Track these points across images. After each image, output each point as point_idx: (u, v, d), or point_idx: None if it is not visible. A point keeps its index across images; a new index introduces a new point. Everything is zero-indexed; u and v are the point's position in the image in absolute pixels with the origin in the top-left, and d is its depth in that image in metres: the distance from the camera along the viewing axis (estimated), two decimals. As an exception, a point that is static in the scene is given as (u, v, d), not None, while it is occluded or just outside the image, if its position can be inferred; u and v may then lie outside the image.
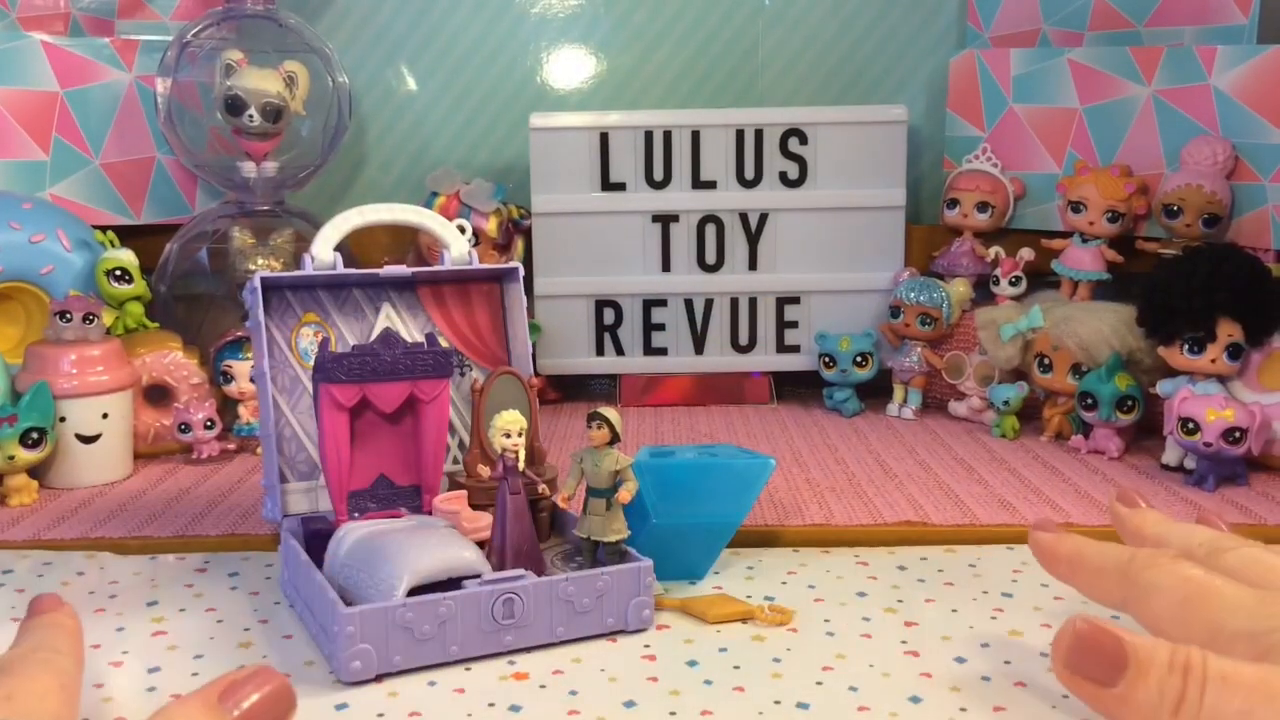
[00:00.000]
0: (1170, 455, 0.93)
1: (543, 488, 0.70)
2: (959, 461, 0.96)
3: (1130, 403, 0.96)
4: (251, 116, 1.10)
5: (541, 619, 0.59)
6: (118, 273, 1.00)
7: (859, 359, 1.13)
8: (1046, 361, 1.04)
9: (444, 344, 0.74)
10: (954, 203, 1.19)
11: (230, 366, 0.99)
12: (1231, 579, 0.41)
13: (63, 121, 1.13)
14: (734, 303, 1.19)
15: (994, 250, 1.14)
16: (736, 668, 0.58)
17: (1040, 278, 1.14)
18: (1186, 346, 0.92)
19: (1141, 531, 0.50)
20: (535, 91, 1.28)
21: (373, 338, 0.71)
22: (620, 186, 1.16)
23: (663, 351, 1.20)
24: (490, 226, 1.15)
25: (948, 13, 1.26)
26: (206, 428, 0.95)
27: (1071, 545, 0.49)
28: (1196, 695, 0.36)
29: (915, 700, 0.54)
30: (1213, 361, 0.91)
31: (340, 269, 0.72)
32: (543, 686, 0.56)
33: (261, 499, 0.81)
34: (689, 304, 1.19)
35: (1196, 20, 1.10)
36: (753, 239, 1.17)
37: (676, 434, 1.07)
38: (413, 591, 0.57)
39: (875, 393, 1.16)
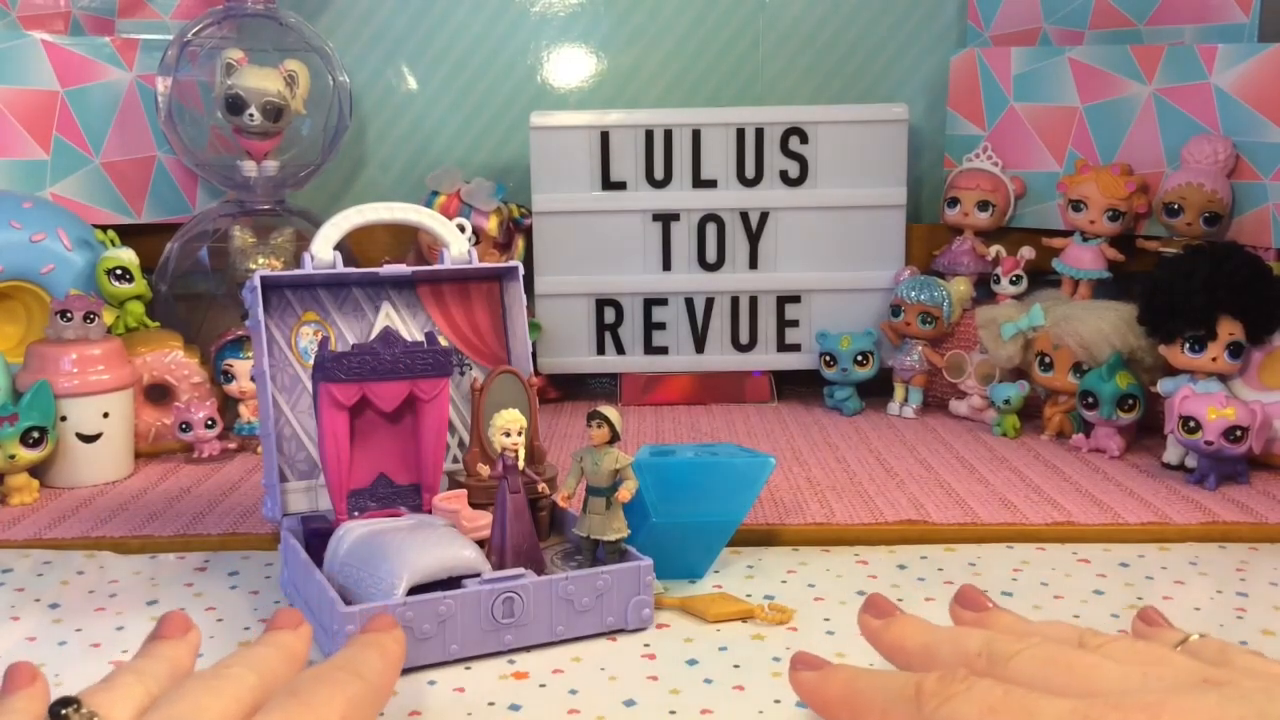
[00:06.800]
0: (1171, 454, 0.93)
1: (542, 487, 0.70)
2: (960, 460, 0.95)
3: (1131, 401, 0.96)
4: (252, 115, 1.10)
5: (541, 618, 0.59)
6: (118, 272, 1.00)
7: (860, 358, 1.13)
8: (1047, 360, 1.03)
9: (444, 343, 0.74)
10: (955, 201, 1.19)
11: (231, 365, 0.99)
12: (1035, 690, 0.35)
13: (63, 120, 1.13)
14: (734, 301, 1.19)
15: (995, 249, 1.14)
16: (736, 667, 0.58)
17: (1041, 276, 1.14)
18: (1187, 345, 0.92)
19: (903, 646, 0.42)
20: (535, 90, 1.28)
21: (372, 336, 0.71)
22: (621, 185, 1.16)
23: (663, 350, 1.19)
24: (491, 225, 1.15)
25: (948, 11, 1.26)
26: (207, 427, 0.95)
27: (842, 682, 0.39)
28: None
29: (915, 699, 0.54)
30: (1214, 360, 0.91)
31: (340, 268, 0.72)
32: (543, 685, 0.56)
33: (261, 498, 0.81)
34: (689, 303, 1.19)
35: (1197, 19, 1.10)
36: (753, 238, 1.17)
37: (677, 433, 1.07)
38: (413, 590, 0.57)
39: (876, 391, 1.16)
